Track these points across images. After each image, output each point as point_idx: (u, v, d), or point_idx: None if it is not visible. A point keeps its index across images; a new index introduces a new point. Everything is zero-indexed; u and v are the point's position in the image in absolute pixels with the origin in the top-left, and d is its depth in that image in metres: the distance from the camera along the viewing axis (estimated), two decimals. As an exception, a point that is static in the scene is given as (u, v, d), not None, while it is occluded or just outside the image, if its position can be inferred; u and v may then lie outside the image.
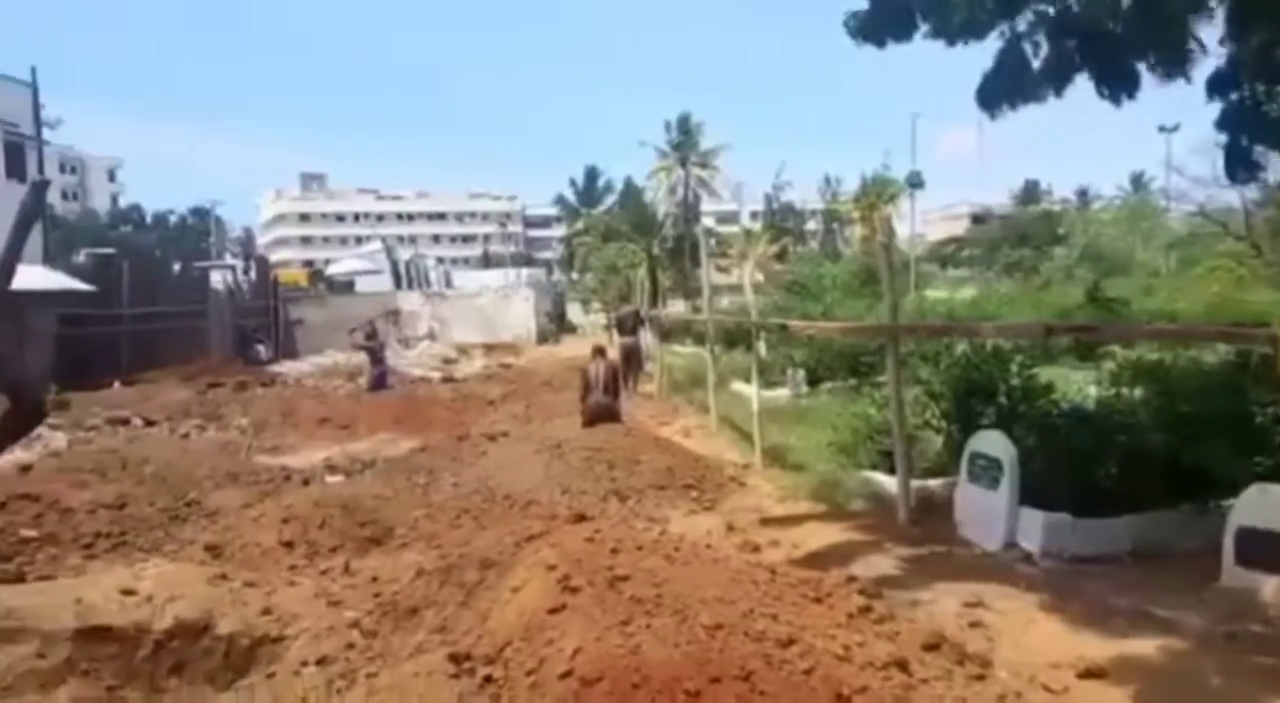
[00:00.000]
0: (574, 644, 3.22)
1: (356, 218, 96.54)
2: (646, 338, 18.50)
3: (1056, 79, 7.82)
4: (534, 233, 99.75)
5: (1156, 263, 37.85)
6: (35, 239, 18.31)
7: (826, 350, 14.06)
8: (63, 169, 76.93)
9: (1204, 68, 7.78)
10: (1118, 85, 7.75)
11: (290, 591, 4.69)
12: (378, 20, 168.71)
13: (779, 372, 14.18)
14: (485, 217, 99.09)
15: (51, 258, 23.69)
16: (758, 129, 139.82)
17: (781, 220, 69.56)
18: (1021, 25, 7.71)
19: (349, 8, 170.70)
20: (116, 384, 18.04)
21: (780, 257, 52.46)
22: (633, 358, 16.77)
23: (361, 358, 18.99)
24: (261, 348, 25.27)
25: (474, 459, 9.50)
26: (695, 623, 3.33)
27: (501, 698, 3.19)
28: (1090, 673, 4.01)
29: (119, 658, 3.89)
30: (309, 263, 63.80)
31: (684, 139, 62.52)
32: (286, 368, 22.84)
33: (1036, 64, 7.80)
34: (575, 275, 59.00)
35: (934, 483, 7.17)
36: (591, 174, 74.05)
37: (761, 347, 13.35)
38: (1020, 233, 55.15)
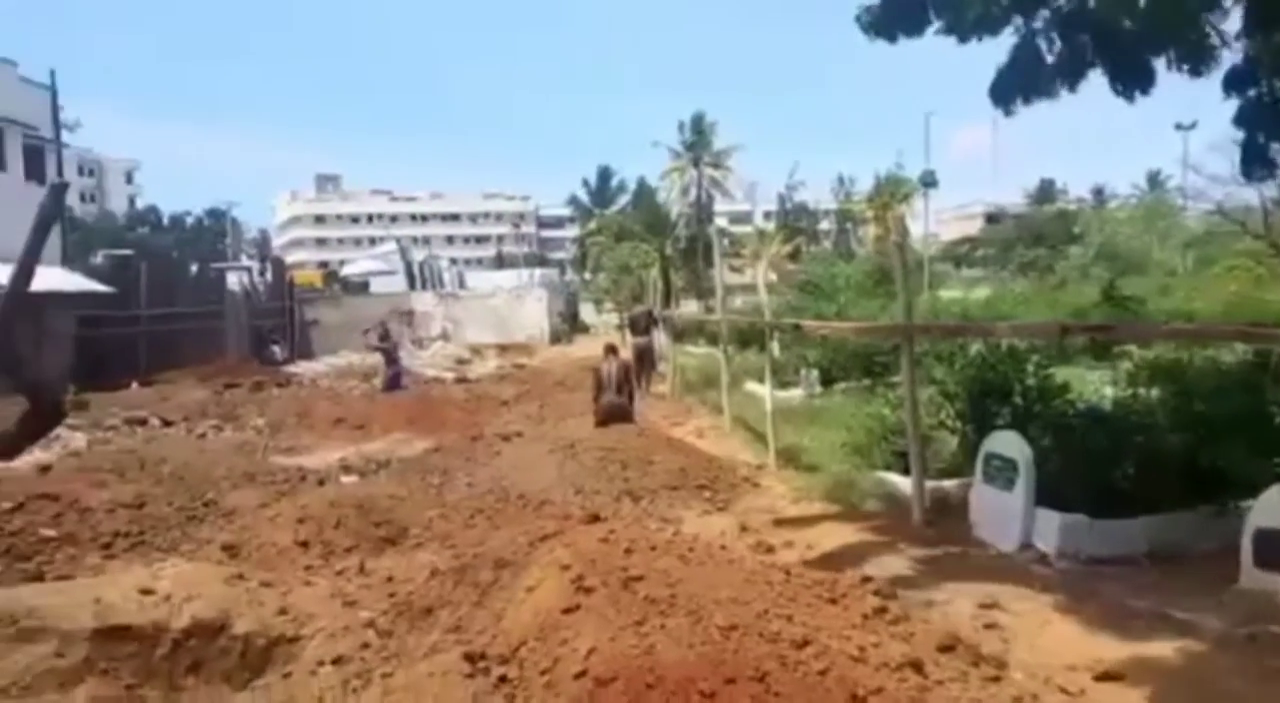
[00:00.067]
0: (588, 644, 3.22)
1: (371, 219, 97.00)
2: (660, 338, 18.50)
3: (1070, 75, 7.77)
4: (547, 233, 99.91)
5: (1173, 262, 37.53)
6: (54, 241, 18.49)
7: (840, 351, 14.02)
8: (81, 171, 77.61)
9: (1221, 64, 7.72)
10: (1132, 82, 7.70)
11: (306, 590, 4.72)
12: (393, 22, 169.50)
13: (792, 372, 14.15)
14: (499, 217, 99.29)
15: (70, 259, 23.88)
16: (771, 129, 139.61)
17: (795, 220, 69.36)
18: (1037, 21, 7.67)
19: (364, 9, 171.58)
20: (134, 385, 18.18)
21: (794, 256, 52.33)
22: (646, 358, 16.76)
23: (376, 358, 19.08)
24: (277, 349, 25.42)
25: (488, 459, 9.52)
26: (710, 624, 3.33)
27: (516, 698, 3.20)
28: (1107, 675, 3.98)
29: (137, 657, 3.92)
30: (324, 264, 64.09)
31: (697, 139, 62.45)
32: (302, 368, 22.97)
33: (1050, 59, 7.76)
34: (588, 276, 59.04)
35: (949, 484, 7.13)
36: (605, 174, 74.07)
37: (775, 347, 13.32)
38: (1035, 232, 54.84)
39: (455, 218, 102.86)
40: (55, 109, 26.48)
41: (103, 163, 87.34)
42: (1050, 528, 5.78)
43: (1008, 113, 8.05)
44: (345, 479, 8.95)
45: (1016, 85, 7.89)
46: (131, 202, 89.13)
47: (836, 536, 6.56)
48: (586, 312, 46.52)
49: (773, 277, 34.10)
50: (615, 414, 10.32)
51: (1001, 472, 6.22)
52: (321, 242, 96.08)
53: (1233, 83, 7.95)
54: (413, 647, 3.95)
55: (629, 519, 6.60)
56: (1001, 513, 6.15)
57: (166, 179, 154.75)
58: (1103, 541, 5.67)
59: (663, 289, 20.60)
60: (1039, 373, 7.35)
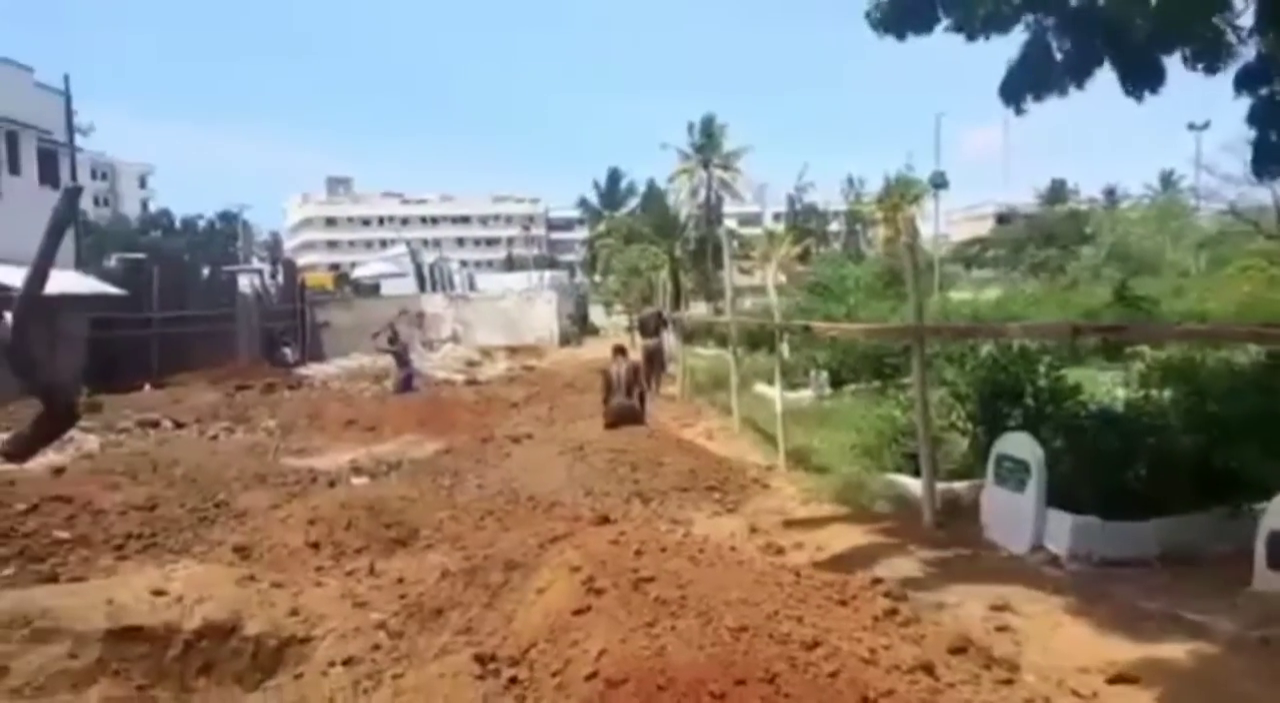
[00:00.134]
0: (599, 646, 3.22)
1: (381, 221, 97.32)
2: (669, 340, 18.51)
3: (1079, 73, 7.75)
4: (557, 235, 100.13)
5: (1186, 262, 37.30)
6: (68, 244, 18.60)
7: (850, 352, 13.99)
8: (95, 175, 78.08)
9: (1237, 60, 7.68)
10: (1142, 81, 7.67)
11: (317, 591, 4.74)
12: (404, 24, 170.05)
13: (802, 373, 14.13)
14: (509, 219, 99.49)
15: (84, 263, 24.06)
16: (781, 130, 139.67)
17: (804, 222, 69.30)
18: (1048, 19, 7.64)
19: (375, 12, 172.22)
20: (147, 387, 18.29)
21: (803, 258, 52.33)
22: (655, 360, 16.77)
23: (387, 361, 19.16)
24: (288, 351, 25.52)
25: (498, 461, 9.53)
26: (720, 625, 3.33)
27: (527, 699, 3.20)
28: (1120, 678, 3.96)
29: (149, 658, 3.94)
30: (335, 266, 64.28)
31: (707, 141, 62.41)
32: (313, 370, 23.06)
33: (1060, 57, 7.73)
34: (598, 278, 59.15)
35: (959, 485, 7.11)
36: (614, 176, 74.21)
37: (784, 348, 13.30)
38: (1046, 233, 54.66)
39: (465, 220, 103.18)
40: (69, 113, 26.68)
41: (116, 167, 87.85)
42: (1062, 530, 5.76)
43: (1018, 111, 8.04)
44: (356, 481, 8.98)
45: (1027, 83, 7.87)
46: (145, 205, 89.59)
47: (846, 537, 6.54)
48: (596, 314, 46.61)
49: (782, 278, 34.11)
50: (625, 416, 10.32)
51: (1013, 473, 6.19)
52: (333, 244, 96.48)
53: (1244, 81, 7.91)
54: (423, 648, 3.96)
55: (639, 521, 6.60)
56: (1013, 515, 6.13)
57: (179, 182, 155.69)
58: (1115, 542, 5.64)
59: (672, 291, 20.64)
60: (1051, 374, 7.32)
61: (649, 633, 3.26)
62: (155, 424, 13.37)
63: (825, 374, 13.83)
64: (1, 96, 23.67)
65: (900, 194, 63.40)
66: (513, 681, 3.31)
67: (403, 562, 5.57)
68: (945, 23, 7.52)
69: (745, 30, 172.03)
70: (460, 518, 6.69)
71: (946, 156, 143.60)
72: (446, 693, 3.36)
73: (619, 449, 8.85)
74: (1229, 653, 4.26)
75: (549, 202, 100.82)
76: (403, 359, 18.05)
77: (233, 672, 4.03)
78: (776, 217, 75.22)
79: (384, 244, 61.03)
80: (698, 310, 30.39)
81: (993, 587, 5.23)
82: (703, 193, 62.75)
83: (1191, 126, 39.81)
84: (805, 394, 13.19)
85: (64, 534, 6.32)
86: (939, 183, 53.95)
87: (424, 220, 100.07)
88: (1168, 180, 64.24)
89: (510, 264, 78.73)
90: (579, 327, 39.88)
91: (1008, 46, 7.86)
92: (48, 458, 9.07)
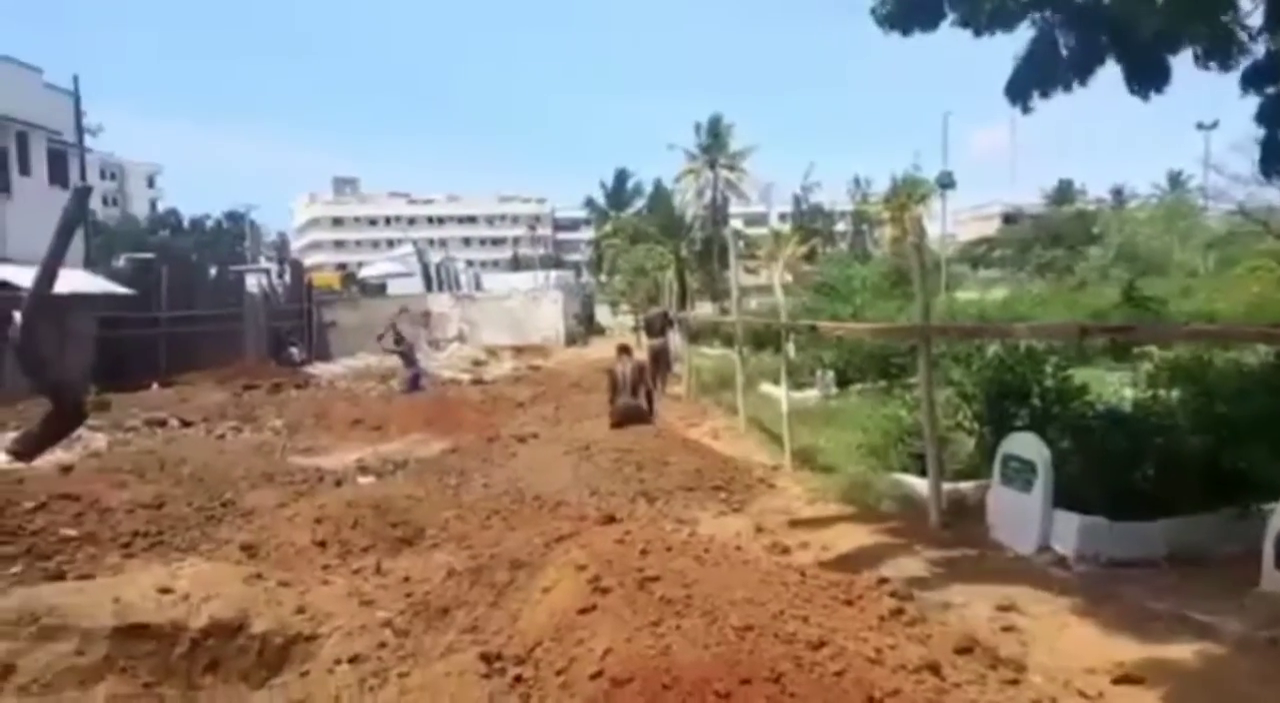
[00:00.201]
0: (604, 645, 3.22)
1: (388, 221, 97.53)
2: (675, 340, 18.51)
3: (1081, 70, 7.73)
4: (563, 235, 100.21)
5: (1194, 263, 37.14)
6: (77, 244, 18.66)
7: (856, 352, 13.96)
8: (103, 175, 78.38)
9: (1250, 56, 7.63)
10: (1148, 80, 7.64)
11: (323, 590, 4.75)
12: (410, 24, 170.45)
13: (808, 373, 14.11)
14: (515, 219, 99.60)
15: (92, 262, 24.14)
16: (787, 130, 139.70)
17: (810, 221, 69.27)
18: (1055, 16, 7.61)
19: (378, 11, 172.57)
20: (154, 386, 18.34)
21: (809, 258, 52.31)
22: (661, 359, 16.77)
23: (394, 360, 19.20)
24: (295, 350, 25.57)
25: (504, 461, 9.54)
26: (725, 624, 3.33)
27: (532, 698, 3.21)
28: (1126, 678, 3.95)
29: (156, 656, 3.96)
30: (342, 266, 64.45)
31: (713, 141, 62.41)
32: (320, 370, 23.11)
33: (1065, 53, 7.71)
34: (604, 277, 59.13)
35: (966, 485, 7.09)
36: (621, 177, 74.12)
37: (790, 348, 13.29)
38: (1053, 233, 54.45)
39: (472, 220, 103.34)
40: (78, 114, 26.81)
41: (125, 167, 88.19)
42: (1069, 530, 5.74)
43: (1025, 109, 8.01)
44: (362, 480, 8.99)
45: (1033, 80, 7.84)
46: (153, 205, 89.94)
47: (852, 537, 6.53)
48: (602, 313, 46.60)
49: (788, 278, 34.09)
50: (631, 416, 10.32)
51: (1019, 473, 6.18)
52: (339, 244, 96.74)
53: (1252, 79, 7.86)
54: (429, 646, 3.97)
55: (645, 520, 6.60)
56: (1019, 515, 6.11)
57: (185, 182, 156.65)
58: (1122, 543, 5.62)
59: (678, 291, 20.60)
60: (1058, 374, 7.29)
61: (654, 632, 3.26)
62: (163, 423, 13.41)
63: (831, 374, 13.80)
64: (11, 97, 23.81)
65: (907, 194, 63.32)
66: (518, 679, 3.31)
67: (409, 561, 5.58)
68: (951, 18, 7.49)
69: (751, 29, 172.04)
70: (466, 517, 6.70)
71: (953, 156, 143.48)
72: (452, 691, 3.37)
73: (624, 449, 8.85)
74: (1236, 654, 4.24)
75: (555, 201, 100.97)
76: (410, 359, 18.08)
77: (239, 669, 4.04)
78: (782, 216, 75.17)
79: (391, 244, 61.08)
80: (703, 310, 30.32)
81: (999, 587, 5.22)
82: (709, 193, 62.78)
83: (1200, 126, 39.52)
84: (811, 394, 13.17)
85: (71, 532, 6.34)
86: (946, 183, 53.90)
87: (430, 220, 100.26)
88: (1176, 180, 64.03)
89: (516, 264, 78.90)
90: (585, 326, 39.89)
91: (1014, 44, 7.84)
92: (56, 456, 9.11)
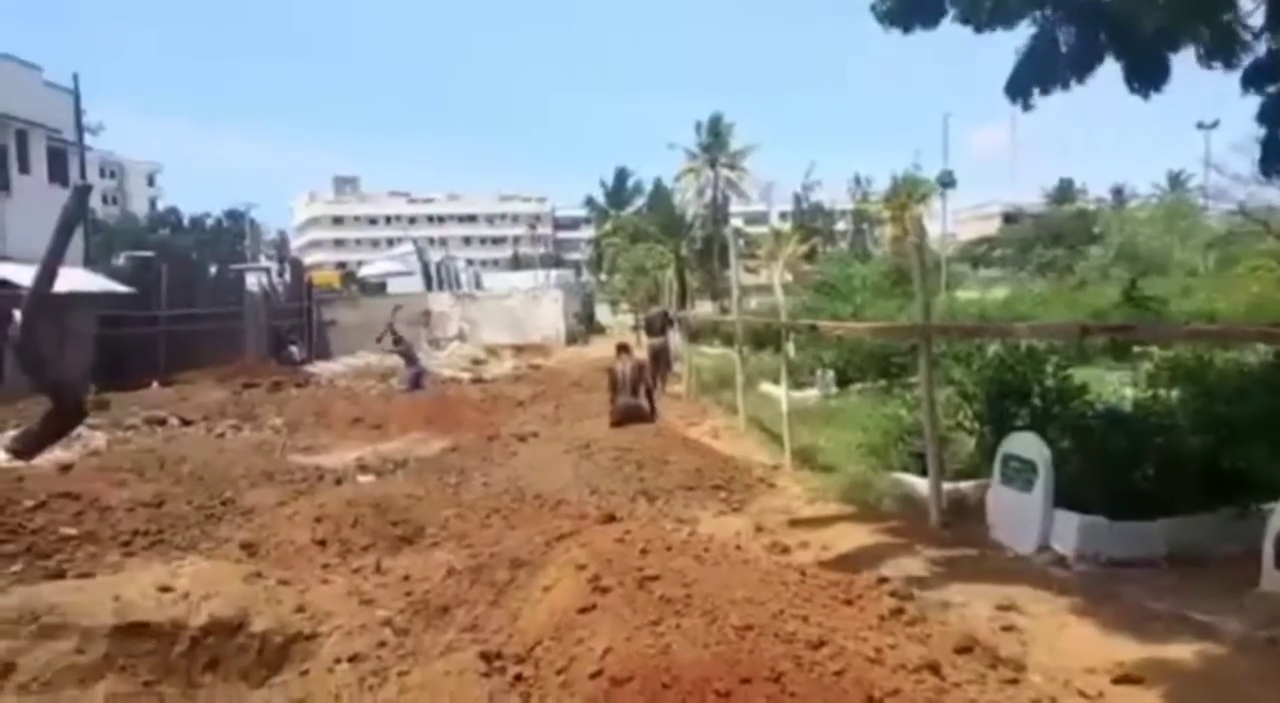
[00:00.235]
0: (604, 644, 3.22)
1: (388, 220, 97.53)
2: (675, 339, 18.50)
3: (1079, 68, 7.72)
4: (563, 234, 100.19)
5: (1195, 262, 37.12)
6: (77, 242, 18.66)
7: (856, 351, 13.96)
8: (103, 174, 78.35)
9: (1255, 53, 7.62)
10: (1147, 78, 7.63)
11: (323, 589, 4.75)
12: (408, 23, 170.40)
13: (808, 373, 14.11)
14: (515, 218, 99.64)
15: (92, 261, 24.14)
16: (787, 129, 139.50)
17: (811, 221, 69.22)
18: (1055, 13, 7.60)
19: (379, 10, 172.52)
20: (154, 384, 18.34)
21: (809, 257, 52.30)
22: (661, 359, 16.77)
23: (394, 359, 19.19)
24: (295, 349, 25.57)
25: (504, 459, 9.55)
26: (725, 624, 3.33)
27: (532, 697, 3.21)
28: (1126, 678, 3.95)
29: (156, 654, 3.96)
30: (342, 265, 64.46)
31: (714, 140, 62.38)
32: (320, 369, 23.11)
33: (1064, 51, 7.70)
34: (604, 276, 59.11)
35: (966, 485, 7.09)
36: (621, 176, 74.08)
37: (790, 347, 13.29)
38: (1054, 232, 54.40)
39: (472, 219, 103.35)
40: (78, 112, 26.80)
41: (124, 165, 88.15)
42: (1069, 530, 5.74)
43: (1025, 107, 7.99)
44: (362, 478, 8.99)
45: (1033, 77, 7.83)
46: (153, 204, 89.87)
47: (852, 536, 6.53)
48: (602, 312, 46.62)
49: (788, 277, 34.09)
50: (631, 415, 10.32)
51: (1020, 473, 6.18)
52: (339, 243, 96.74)
53: (1253, 78, 7.85)
54: (429, 645, 3.97)
55: (645, 519, 6.60)
56: (1019, 515, 6.11)
57: (186, 181, 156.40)
58: (1122, 543, 5.62)
59: (678, 290, 20.62)
60: (1058, 374, 7.29)
61: (654, 631, 3.26)
62: (163, 422, 13.41)
63: (831, 373, 13.80)
64: (11, 96, 23.80)
65: (907, 193, 63.27)
66: (518, 678, 3.31)
67: (409, 559, 5.58)
68: (951, 15, 7.47)
69: (751, 28, 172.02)
70: (466, 516, 6.70)
71: (954, 156, 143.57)
72: (452, 690, 3.37)
73: (625, 448, 8.85)
74: (1236, 654, 4.24)
75: (555, 200, 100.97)
76: (411, 357, 18.07)
77: (239, 668, 4.04)
78: (783, 215, 75.15)
79: (391, 243, 61.06)
80: (704, 309, 30.35)
81: (999, 587, 5.22)
82: (709, 192, 62.74)
83: (1200, 126, 39.60)
84: (811, 393, 13.17)
85: (71, 531, 6.34)
86: (946, 182, 53.95)
87: (431, 219, 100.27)
88: (1176, 180, 63.99)
89: (516, 263, 78.94)
90: (585, 325, 39.91)
91: (1014, 41, 7.83)
92: (55, 455, 9.10)
